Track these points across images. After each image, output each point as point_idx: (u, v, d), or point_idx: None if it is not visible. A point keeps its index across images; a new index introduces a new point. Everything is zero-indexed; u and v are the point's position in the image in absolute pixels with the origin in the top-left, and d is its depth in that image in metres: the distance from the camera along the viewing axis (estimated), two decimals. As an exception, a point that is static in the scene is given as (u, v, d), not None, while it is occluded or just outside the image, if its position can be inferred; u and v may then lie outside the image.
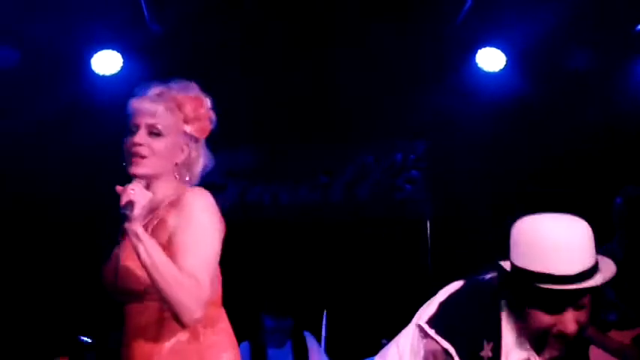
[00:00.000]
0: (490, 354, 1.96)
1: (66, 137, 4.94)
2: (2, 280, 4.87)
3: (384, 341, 4.47)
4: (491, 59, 5.19)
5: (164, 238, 2.04)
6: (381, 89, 5.31)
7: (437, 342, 2.00)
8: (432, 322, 2.04)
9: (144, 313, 2.07)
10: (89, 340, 2.14)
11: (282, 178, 5.73)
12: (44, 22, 4.57)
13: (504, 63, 5.17)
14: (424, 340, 2.06)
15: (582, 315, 1.88)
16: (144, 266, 1.93)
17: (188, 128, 2.21)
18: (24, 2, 4.47)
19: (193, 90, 2.26)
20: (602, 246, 4.13)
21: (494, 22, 5.00)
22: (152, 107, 2.17)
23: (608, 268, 1.92)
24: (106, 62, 4.94)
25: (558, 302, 1.85)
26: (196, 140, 2.24)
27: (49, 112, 4.82)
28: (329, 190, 5.74)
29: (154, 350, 2.05)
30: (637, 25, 4.94)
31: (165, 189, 2.17)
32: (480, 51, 5.19)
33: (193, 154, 2.23)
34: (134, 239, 1.94)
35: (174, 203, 2.11)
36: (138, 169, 2.14)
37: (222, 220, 2.13)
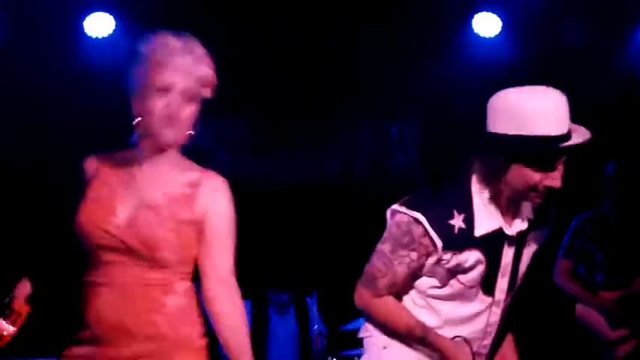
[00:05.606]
0: (463, 225, 2.02)
1: (59, 100, 4.90)
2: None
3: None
4: (487, 24, 5.16)
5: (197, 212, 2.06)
6: (377, 56, 5.27)
7: (405, 214, 2.05)
8: (402, 202, 2.10)
9: (152, 270, 2.02)
10: None
11: (276, 149, 5.70)
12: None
13: (500, 28, 5.15)
14: (392, 219, 2.11)
15: (562, 172, 2.03)
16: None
17: (207, 93, 2.02)
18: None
19: (202, 47, 2.04)
20: (592, 209, 4.17)
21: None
22: (193, 69, 1.96)
23: (582, 131, 2.10)
24: (99, 25, 4.90)
25: (553, 159, 2.00)
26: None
27: (41, 75, 4.77)
28: (324, 163, 5.73)
29: (161, 301, 2.02)
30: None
31: (174, 159, 2.07)
32: (476, 16, 5.16)
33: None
34: None
35: (196, 184, 2.08)
36: (170, 136, 1.99)
37: None
